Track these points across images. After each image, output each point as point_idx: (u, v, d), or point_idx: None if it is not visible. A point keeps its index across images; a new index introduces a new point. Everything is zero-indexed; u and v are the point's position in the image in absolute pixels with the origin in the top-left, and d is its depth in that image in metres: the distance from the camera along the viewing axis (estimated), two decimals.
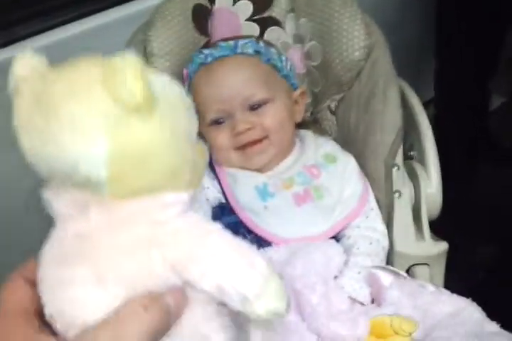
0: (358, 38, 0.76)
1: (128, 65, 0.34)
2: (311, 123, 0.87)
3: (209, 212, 0.72)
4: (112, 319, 0.34)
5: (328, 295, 0.60)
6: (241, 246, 0.39)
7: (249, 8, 0.84)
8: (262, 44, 0.77)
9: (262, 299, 0.36)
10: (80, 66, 0.36)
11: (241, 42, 0.76)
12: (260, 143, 0.72)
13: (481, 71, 1.25)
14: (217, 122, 0.73)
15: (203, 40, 0.81)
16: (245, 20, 0.84)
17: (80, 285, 0.36)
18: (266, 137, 0.73)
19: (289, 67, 0.79)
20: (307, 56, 0.84)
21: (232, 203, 0.71)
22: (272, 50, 0.78)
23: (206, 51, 0.75)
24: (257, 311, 0.37)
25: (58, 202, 0.37)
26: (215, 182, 0.74)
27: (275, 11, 0.84)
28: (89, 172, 0.34)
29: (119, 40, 0.80)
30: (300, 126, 0.82)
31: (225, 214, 0.72)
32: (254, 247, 0.38)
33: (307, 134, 0.80)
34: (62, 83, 0.35)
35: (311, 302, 0.58)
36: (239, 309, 0.37)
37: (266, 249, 0.65)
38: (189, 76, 0.76)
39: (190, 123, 0.40)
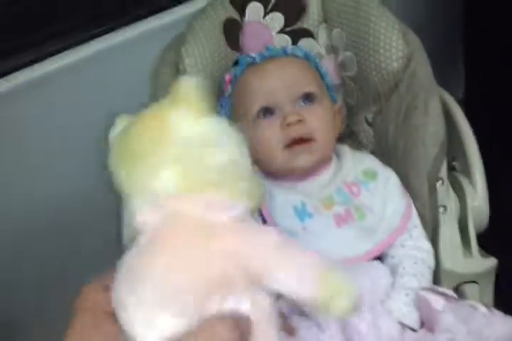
0: (395, 48, 0.73)
1: (186, 81, 0.40)
2: (347, 135, 0.84)
3: None
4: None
5: (376, 322, 0.57)
6: (297, 244, 0.42)
7: (280, 20, 0.82)
8: (308, 51, 0.79)
9: (324, 291, 0.37)
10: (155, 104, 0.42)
11: (289, 46, 0.78)
12: (308, 143, 0.70)
13: None
14: (265, 113, 0.71)
15: (235, 54, 0.80)
16: (277, 33, 0.82)
17: (150, 275, 0.37)
18: (313, 139, 0.70)
19: (329, 79, 0.79)
20: (342, 67, 0.82)
21: (270, 224, 0.69)
22: (317, 60, 0.79)
23: (253, 54, 0.76)
24: (319, 301, 0.37)
25: (145, 213, 0.40)
26: None
27: (307, 23, 0.82)
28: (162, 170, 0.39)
29: (143, 56, 0.80)
30: (337, 139, 0.80)
31: None
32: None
33: (344, 149, 0.77)
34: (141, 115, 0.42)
35: (360, 331, 0.56)
36: (303, 303, 0.39)
37: None
38: (234, 76, 0.75)
39: (240, 150, 0.43)
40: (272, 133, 0.70)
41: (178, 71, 0.74)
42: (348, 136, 0.84)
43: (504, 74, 1.19)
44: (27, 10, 0.79)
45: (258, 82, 0.72)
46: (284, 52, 0.76)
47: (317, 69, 0.77)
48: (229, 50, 0.78)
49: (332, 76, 0.82)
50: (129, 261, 0.40)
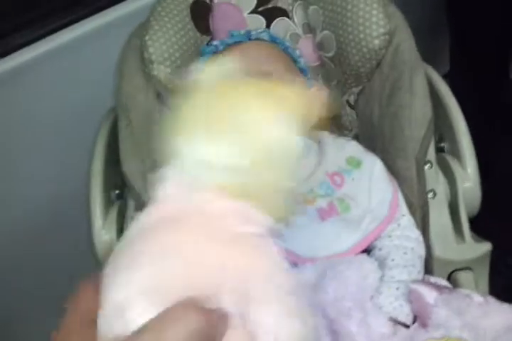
0: (376, 24, 0.68)
1: None
2: (329, 119, 0.80)
3: None
4: (154, 322, 0.32)
5: (366, 320, 0.54)
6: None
7: (252, 0, 0.77)
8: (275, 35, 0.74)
9: None
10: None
11: (253, 31, 0.73)
12: None
13: (501, 39, 1.16)
14: None
15: (205, 39, 0.75)
16: (249, 13, 0.77)
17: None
18: None
19: (303, 62, 0.74)
20: (320, 47, 0.77)
21: None
22: (286, 43, 0.75)
23: (216, 42, 0.73)
24: None
25: (170, 180, 0.37)
26: None
27: (281, 1, 0.77)
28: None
29: (113, 44, 0.76)
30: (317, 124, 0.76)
31: None
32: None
33: (324, 136, 0.72)
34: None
35: (349, 330, 0.53)
36: None
37: (291, 272, 0.60)
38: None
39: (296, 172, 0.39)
40: None
41: (143, 59, 0.69)
42: (330, 119, 0.79)
43: (491, 43, 1.14)
44: None
45: None
46: (248, 38, 0.72)
47: (287, 52, 0.72)
48: (198, 34, 0.73)
49: (310, 57, 0.77)
50: (133, 230, 0.36)
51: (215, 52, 0.71)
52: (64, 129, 0.84)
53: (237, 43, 0.72)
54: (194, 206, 0.36)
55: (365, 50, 0.70)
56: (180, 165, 0.37)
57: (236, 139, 0.36)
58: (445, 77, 0.81)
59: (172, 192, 0.36)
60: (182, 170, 0.37)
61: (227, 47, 0.71)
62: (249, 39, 0.72)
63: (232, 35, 0.74)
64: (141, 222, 0.36)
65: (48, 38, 0.76)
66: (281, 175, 0.38)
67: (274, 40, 0.73)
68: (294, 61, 0.73)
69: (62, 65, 0.79)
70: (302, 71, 0.73)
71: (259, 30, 0.74)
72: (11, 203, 0.84)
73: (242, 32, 0.74)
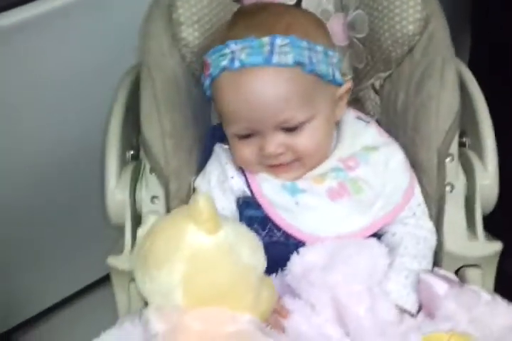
0: (413, 9, 0.66)
1: (202, 197, 0.48)
2: (351, 102, 0.78)
3: (233, 203, 0.66)
4: None
5: (374, 306, 0.53)
6: None
7: None
8: (305, 43, 0.60)
9: None
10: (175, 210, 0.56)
11: (278, 41, 0.59)
12: (290, 165, 0.63)
13: None
14: (242, 136, 0.63)
15: (235, 6, 0.72)
16: None
17: None
18: (297, 159, 0.63)
19: (335, 63, 0.64)
20: (351, 27, 0.74)
21: (259, 197, 0.64)
22: (319, 47, 0.61)
23: (233, 46, 0.59)
24: None
25: (153, 318, 0.49)
26: (240, 173, 0.66)
27: None
28: (170, 278, 0.48)
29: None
30: None
31: (250, 207, 0.65)
32: None
33: (347, 118, 0.70)
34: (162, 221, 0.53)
35: (357, 315, 0.52)
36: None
37: (300, 251, 0.59)
38: (210, 76, 0.62)
39: (253, 256, 0.51)
40: (247, 156, 0.63)
41: (171, 20, 0.66)
42: (352, 103, 0.77)
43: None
44: None
45: (235, 105, 0.60)
46: (269, 61, 0.58)
47: (314, 73, 0.61)
48: (228, 0, 0.70)
49: (339, 37, 0.75)
50: None
51: (229, 68, 0.60)
52: (84, 84, 0.82)
53: (253, 66, 0.59)
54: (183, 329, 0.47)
55: (398, 34, 0.67)
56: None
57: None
58: None
59: (160, 330, 0.47)
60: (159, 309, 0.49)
61: (243, 67, 0.59)
62: (270, 63, 0.59)
63: (251, 47, 0.59)
64: None
65: None
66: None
67: (299, 63, 0.59)
68: (322, 77, 0.62)
69: (84, 19, 0.77)
70: (331, 81, 0.64)
71: (286, 40, 0.59)
72: (28, 156, 0.86)
73: (265, 42, 0.59)
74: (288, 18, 0.63)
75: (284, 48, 0.59)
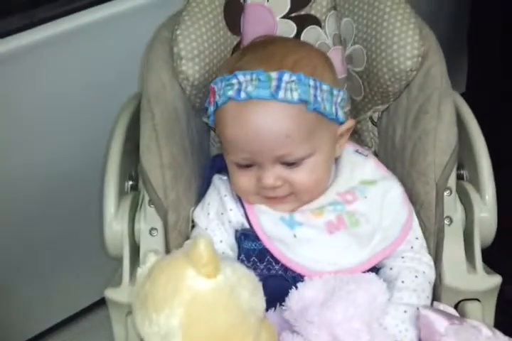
0: (411, 45, 0.67)
1: (202, 241, 0.47)
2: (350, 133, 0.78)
3: (232, 236, 0.66)
4: None
5: None
6: None
7: (286, 4, 0.75)
8: (311, 81, 0.60)
9: None
10: (176, 252, 0.54)
11: (286, 77, 0.59)
12: (286, 198, 0.64)
13: None
14: (241, 165, 0.63)
15: (235, 39, 0.73)
16: (281, 18, 0.75)
17: None
18: (293, 193, 0.63)
19: (339, 101, 0.64)
20: (349, 60, 0.75)
21: (257, 230, 0.64)
22: (325, 86, 0.61)
23: (241, 77, 0.60)
24: None
25: None
26: (239, 205, 0.66)
27: (315, 9, 0.76)
28: (169, 321, 0.48)
29: (143, 26, 0.75)
30: None
31: (248, 239, 0.65)
32: None
33: (345, 153, 0.70)
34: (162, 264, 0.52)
35: None
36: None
37: (299, 286, 0.58)
38: (215, 104, 0.63)
39: (253, 298, 0.51)
40: (244, 185, 0.63)
41: (172, 53, 0.67)
42: (350, 135, 0.78)
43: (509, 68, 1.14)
44: None
45: (237, 136, 0.60)
46: (275, 96, 0.58)
47: (317, 110, 0.61)
48: (229, 34, 0.71)
49: (338, 69, 0.76)
50: None
51: (234, 98, 0.60)
52: (84, 114, 0.83)
53: (258, 99, 0.59)
54: None
55: (396, 69, 0.68)
56: None
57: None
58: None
59: None
60: None
61: (248, 99, 0.59)
62: (275, 98, 0.58)
63: (258, 80, 0.59)
64: None
65: (77, 14, 0.75)
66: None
67: (303, 101, 0.59)
68: (326, 115, 0.62)
69: (89, 45, 0.78)
70: (334, 120, 0.64)
71: (294, 77, 0.59)
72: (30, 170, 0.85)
73: (273, 77, 0.59)
74: (298, 52, 0.64)
75: (291, 85, 0.59)
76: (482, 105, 1.16)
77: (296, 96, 0.59)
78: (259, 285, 0.53)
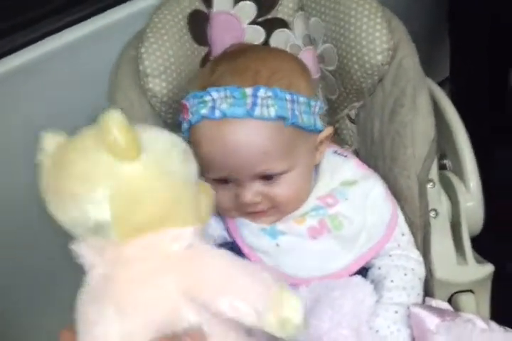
0: (379, 40, 0.66)
1: (111, 121, 0.41)
2: None
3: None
4: None
5: None
6: (247, 265, 0.46)
7: (252, 10, 0.75)
8: (288, 95, 0.59)
9: (273, 310, 0.40)
10: (83, 135, 0.45)
11: (262, 92, 0.57)
12: (267, 212, 0.63)
13: (499, 50, 1.15)
14: (219, 181, 0.62)
15: (203, 50, 0.73)
16: (248, 24, 0.75)
17: (102, 323, 0.41)
18: (274, 207, 0.63)
19: (317, 111, 0.64)
20: (321, 59, 0.75)
21: (239, 242, 0.63)
22: (301, 99, 0.60)
23: (215, 94, 0.58)
24: (270, 321, 0.40)
25: (83, 251, 0.44)
26: (219, 219, 0.65)
27: (281, 11, 0.75)
28: (96, 215, 0.42)
29: (115, 46, 0.73)
30: None
31: (233, 252, 0.64)
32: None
33: (325, 156, 0.69)
34: (71, 150, 0.44)
35: None
36: (256, 325, 0.41)
37: None
38: (189, 121, 0.61)
39: (185, 165, 0.46)
40: (223, 200, 0.61)
41: (138, 71, 0.67)
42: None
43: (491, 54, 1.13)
44: None
45: (213, 155, 0.59)
46: (251, 114, 0.57)
47: (295, 124, 0.60)
48: (195, 45, 0.71)
49: (311, 70, 0.75)
50: (81, 307, 0.43)
51: (208, 117, 0.58)
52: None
53: (233, 118, 0.58)
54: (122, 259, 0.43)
55: (367, 65, 0.68)
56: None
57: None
58: (443, 83, 0.79)
59: (96, 262, 0.44)
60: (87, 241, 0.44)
61: (223, 118, 0.58)
62: (251, 116, 0.57)
63: (233, 97, 0.57)
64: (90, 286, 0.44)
65: (49, 38, 0.75)
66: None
67: (281, 117, 0.58)
68: (303, 128, 0.61)
69: (62, 67, 0.77)
70: (312, 131, 0.63)
71: (270, 93, 0.58)
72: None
73: (248, 93, 0.57)
74: (272, 63, 0.63)
75: (267, 101, 0.58)
76: (466, 89, 1.16)
77: (273, 112, 0.58)
78: (187, 148, 0.48)
